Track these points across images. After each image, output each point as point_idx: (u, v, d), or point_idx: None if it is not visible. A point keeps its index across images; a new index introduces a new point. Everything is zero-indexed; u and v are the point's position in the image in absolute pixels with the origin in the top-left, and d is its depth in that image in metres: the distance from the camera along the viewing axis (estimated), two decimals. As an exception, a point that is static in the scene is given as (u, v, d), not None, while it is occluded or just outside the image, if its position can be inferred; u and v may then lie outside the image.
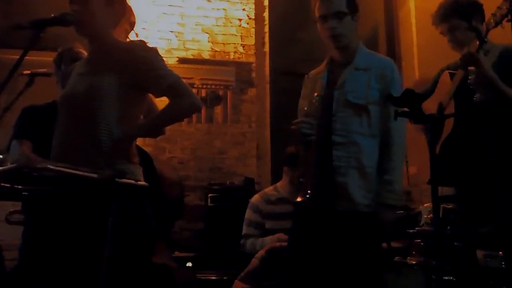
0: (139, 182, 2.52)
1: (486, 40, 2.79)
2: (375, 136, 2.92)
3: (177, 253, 4.87)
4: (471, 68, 2.93)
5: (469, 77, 2.91)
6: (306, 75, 2.98)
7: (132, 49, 2.61)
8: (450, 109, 2.91)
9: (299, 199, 2.97)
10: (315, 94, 2.95)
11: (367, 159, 2.88)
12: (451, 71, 3.15)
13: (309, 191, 2.91)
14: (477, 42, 2.83)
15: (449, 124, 2.99)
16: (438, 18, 3.24)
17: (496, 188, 2.65)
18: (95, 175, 2.25)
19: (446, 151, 3.03)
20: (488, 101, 2.89)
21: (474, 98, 2.92)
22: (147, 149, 5.26)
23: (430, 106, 3.16)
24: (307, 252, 2.88)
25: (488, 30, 2.80)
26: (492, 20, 2.78)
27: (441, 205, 3.74)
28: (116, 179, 2.30)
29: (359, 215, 2.81)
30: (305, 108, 2.96)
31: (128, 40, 2.80)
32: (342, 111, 2.91)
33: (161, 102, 2.67)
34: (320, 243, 2.85)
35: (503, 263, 2.85)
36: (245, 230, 4.43)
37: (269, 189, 4.62)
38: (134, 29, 2.87)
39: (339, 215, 2.82)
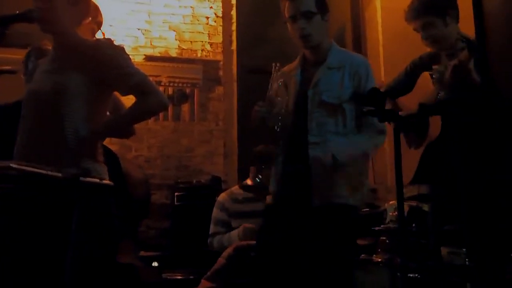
0: (104, 181, 2.50)
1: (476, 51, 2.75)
2: (350, 135, 2.93)
3: (143, 253, 4.83)
4: (435, 66, 2.95)
5: (436, 74, 2.92)
6: (274, 65, 2.92)
7: (98, 47, 2.59)
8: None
9: (269, 198, 2.97)
10: (280, 80, 2.90)
11: (343, 157, 2.88)
12: (430, 72, 3.14)
13: (277, 190, 2.92)
14: (467, 54, 2.79)
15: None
16: (411, 14, 3.17)
17: (459, 186, 2.68)
18: (59, 174, 2.22)
19: (426, 154, 3.05)
20: (453, 99, 2.91)
21: (438, 97, 2.94)
22: (113, 147, 5.21)
23: (410, 104, 3.18)
24: (277, 250, 2.88)
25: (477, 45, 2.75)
26: None
27: (406, 203, 3.78)
28: (81, 178, 2.28)
29: (335, 209, 2.82)
30: (270, 93, 2.90)
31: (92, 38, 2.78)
32: (317, 111, 2.91)
33: (129, 100, 2.66)
34: (294, 241, 2.85)
35: (467, 260, 2.88)
36: (212, 229, 4.42)
37: (236, 188, 4.61)
38: (101, 28, 2.84)
39: (315, 211, 2.82)
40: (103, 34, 2.90)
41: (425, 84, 3.16)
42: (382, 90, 2.80)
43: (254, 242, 3.87)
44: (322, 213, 2.80)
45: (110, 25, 5.97)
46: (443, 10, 3.08)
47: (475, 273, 2.79)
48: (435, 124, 3.03)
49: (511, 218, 3.01)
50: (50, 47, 3.28)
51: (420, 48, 4.03)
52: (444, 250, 3.26)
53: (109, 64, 2.55)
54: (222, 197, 4.52)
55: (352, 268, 3.02)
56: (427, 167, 3.04)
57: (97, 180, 2.44)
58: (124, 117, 2.68)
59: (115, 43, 2.72)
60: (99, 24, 2.81)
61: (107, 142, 3.00)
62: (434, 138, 3.02)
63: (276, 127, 2.81)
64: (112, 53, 2.57)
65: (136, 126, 2.89)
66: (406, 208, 3.73)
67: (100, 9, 2.83)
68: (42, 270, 2.31)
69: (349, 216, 2.86)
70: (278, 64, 2.91)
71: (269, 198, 3.02)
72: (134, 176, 3.66)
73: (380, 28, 6.69)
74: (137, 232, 4.11)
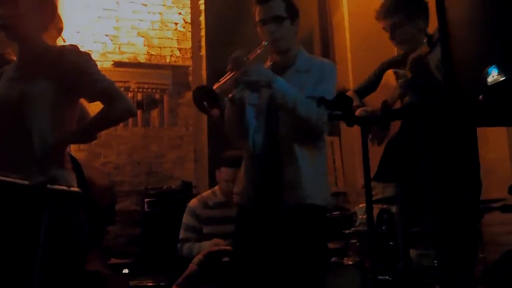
0: (72, 188, 2.48)
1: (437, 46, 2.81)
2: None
3: (113, 260, 4.80)
4: (400, 71, 2.99)
5: (399, 80, 2.97)
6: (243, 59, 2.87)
7: (63, 54, 2.57)
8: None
9: (237, 201, 2.97)
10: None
11: (312, 158, 2.90)
12: (396, 70, 3.18)
13: (248, 192, 2.92)
14: (427, 47, 2.84)
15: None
16: (382, 13, 3.23)
17: (425, 187, 2.72)
18: (26, 182, 2.20)
19: (387, 150, 3.09)
20: (419, 102, 2.95)
21: (403, 100, 2.99)
22: (81, 154, 5.19)
23: (374, 102, 3.22)
24: (252, 254, 2.89)
25: (437, 39, 2.80)
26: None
27: (376, 205, 3.82)
28: (48, 186, 2.26)
29: (308, 208, 2.83)
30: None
31: (58, 45, 2.76)
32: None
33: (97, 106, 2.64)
34: (267, 243, 2.85)
35: (435, 261, 2.92)
36: (182, 234, 4.41)
37: (206, 193, 4.61)
38: (61, 34, 2.82)
39: (288, 212, 2.83)
40: (64, 40, 2.88)
41: (387, 81, 3.22)
42: (348, 94, 2.82)
43: (225, 247, 3.88)
44: (293, 214, 2.82)
45: (78, 32, 5.92)
46: (413, 12, 3.13)
47: (444, 274, 2.83)
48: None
49: (476, 219, 3.07)
50: (13, 55, 3.26)
51: (387, 52, 4.09)
52: (413, 252, 3.30)
53: (75, 71, 2.53)
54: (193, 203, 4.52)
55: (324, 270, 3.04)
56: (388, 165, 3.08)
57: (65, 188, 2.42)
58: (91, 124, 2.66)
59: (83, 49, 2.70)
60: (59, 30, 2.79)
61: (75, 149, 2.99)
62: (394, 134, 3.07)
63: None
64: (77, 60, 2.56)
65: (105, 132, 2.88)
66: (375, 211, 3.78)
67: (63, 15, 2.81)
68: (10, 278, 2.28)
69: (319, 215, 2.87)
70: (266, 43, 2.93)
71: (237, 201, 3.02)
72: (98, 184, 3.63)
73: (348, 33, 6.76)
74: (102, 239, 4.07)
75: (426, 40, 2.80)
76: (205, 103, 2.56)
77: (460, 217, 2.91)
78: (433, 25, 3.04)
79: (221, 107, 2.57)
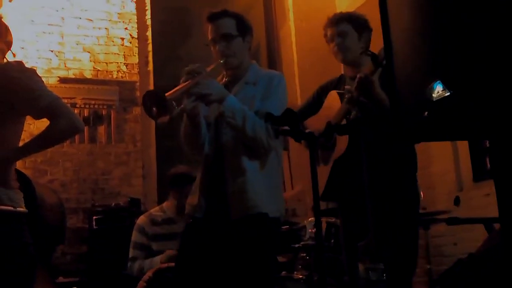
0: (18, 209, 2.42)
1: (382, 64, 2.88)
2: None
3: (61, 279, 4.72)
4: (346, 89, 3.05)
5: (349, 94, 3.02)
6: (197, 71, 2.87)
7: (6, 70, 2.52)
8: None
9: (191, 212, 2.96)
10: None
11: (262, 170, 2.91)
12: (338, 91, 3.26)
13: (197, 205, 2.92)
14: (372, 66, 2.92)
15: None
16: (330, 22, 3.33)
17: (368, 201, 2.77)
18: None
19: (335, 167, 3.14)
20: (363, 118, 3.02)
21: (349, 116, 3.05)
22: (27, 171, 5.08)
23: (316, 124, 3.26)
24: (198, 269, 2.87)
25: (383, 58, 2.85)
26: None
27: (324, 219, 3.85)
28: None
29: (253, 219, 2.83)
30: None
31: (4, 60, 2.71)
32: None
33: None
34: (213, 255, 2.84)
35: (384, 275, 2.96)
36: (131, 253, 4.36)
37: (155, 210, 4.58)
38: (11, 49, 2.77)
39: (235, 224, 2.82)
40: (14, 54, 2.83)
41: (331, 103, 3.28)
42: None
43: (173, 264, 3.85)
44: (241, 226, 2.82)
45: (22, 48, 5.84)
46: (361, 28, 3.24)
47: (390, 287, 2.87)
48: (341, 139, 3.13)
49: (413, 230, 3.16)
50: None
51: (333, 66, 4.16)
52: (361, 266, 3.33)
53: (17, 88, 2.48)
54: (141, 220, 4.48)
55: (272, 283, 3.04)
56: (336, 184, 3.14)
57: (11, 208, 2.37)
58: (37, 141, 2.59)
59: (27, 65, 2.66)
60: (8, 44, 2.74)
61: (20, 166, 2.93)
62: (340, 153, 3.13)
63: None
64: (20, 76, 2.51)
65: (51, 149, 2.84)
66: (324, 225, 3.81)
67: (10, 29, 2.76)
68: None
69: (268, 226, 2.88)
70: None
71: (189, 212, 3.01)
72: (48, 202, 3.58)
73: (294, 48, 6.82)
74: (50, 258, 4.00)
75: (370, 55, 2.88)
76: (154, 109, 2.55)
77: (398, 230, 2.99)
78: (375, 45, 3.14)
79: (170, 115, 2.56)
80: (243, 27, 3.04)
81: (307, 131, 3.24)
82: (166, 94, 2.53)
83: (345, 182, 3.12)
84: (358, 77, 2.96)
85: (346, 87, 3.11)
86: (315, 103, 3.46)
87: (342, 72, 3.59)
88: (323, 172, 3.17)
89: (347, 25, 3.27)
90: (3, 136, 2.49)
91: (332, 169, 3.17)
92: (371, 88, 2.95)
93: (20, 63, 2.62)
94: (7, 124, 2.52)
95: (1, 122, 2.48)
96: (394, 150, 3.08)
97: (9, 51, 2.77)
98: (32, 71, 2.60)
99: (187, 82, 2.69)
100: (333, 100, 3.28)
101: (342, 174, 3.12)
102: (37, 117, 2.58)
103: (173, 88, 2.64)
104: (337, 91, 3.28)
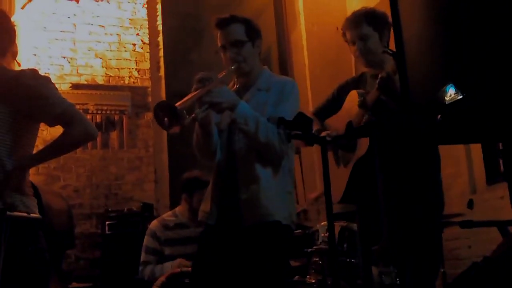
0: (32, 215, 2.44)
1: None
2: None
3: (74, 284, 4.73)
4: (360, 90, 3.03)
5: (361, 98, 3.00)
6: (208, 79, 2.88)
7: (20, 78, 2.53)
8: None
9: (205, 219, 2.96)
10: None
11: (275, 177, 2.90)
12: (359, 90, 3.19)
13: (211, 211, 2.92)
14: (394, 65, 2.84)
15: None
16: (349, 24, 3.21)
17: (384, 205, 2.75)
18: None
19: (354, 172, 3.10)
20: (379, 120, 2.99)
21: (364, 119, 3.02)
22: (40, 178, 5.13)
23: (336, 124, 3.23)
24: (213, 274, 2.87)
25: None
26: None
27: (337, 223, 3.83)
28: (8, 213, 2.23)
29: (269, 226, 2.82)
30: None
31: (16, 66, 2.73)
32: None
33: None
34: (228, 263, 2.84)
35: (397, 279, 2.94)
36: (143, 257, 4.36)
37: (167, 215, 4.58)
38: (16, 58, 2.78)
39: (247, 231, 2.82)
40: (19, 64, 2.85)
41: (351, 104, 3.23)
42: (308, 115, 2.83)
43: (187, 269, 3.85)
44: (254, 233, 2.82)
45: (34, 54, 5.88)
46: (382, 27, 3.16)
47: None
48: (363, 141, 3.08)
49: (436, 235, 3.11)
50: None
51: (344, 69, 4.12)
52: (374, 270, 3.32)
53: (32, 95, 2.50)
54: (153, 224, 4.48)
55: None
56: (355, 186, 3.10)
57: (25, 214, 2.39)
58: (51, 148, 2.61)
59: (40, 72, 2.67)
60: (14, 54, 2.75)
61: (33, 172, 2.94)
62: (361, 155, 3.08)
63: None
64: (35, 84, 2.53)
65: (64, 155, 2.84)
66: (337, 229, 3.80)
67: (18, 38, 2.77)
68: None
69: (280, 233, 2.87)
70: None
71: (202, 219, 3.00)
72: (56, 208, 3.58)
73: (305, 51, 6.81)
74: (60, 264, 4.01)
75: (391, 54, 2.82)
76: (166, 119, 2.55)
77: (421, 234, 2.95)
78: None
79: (182, 125, 2.56)
80: (252, 32, 3.03)
81: (327, 131, 3.23)
82: (177, 104, 2.53)
83: (365, 185, 3.08)
84: (379, 77, 2.92)
85: (359, 91, 3.09)
86: (335, 101, 3.39)
87: (361, 71, 3.49)
88: (344, 174, 3.14)
89: (367, 27, 3.15)
90: (17, 143, 2.50)
91: (352, 171, 3.13)
92: (394, 87, 2.89)
93: (34, 71, 2.63)
94: (22, 131, 2.53)
95: (15, 129, 2.49)
96: (418, 152, 3.04)
97: (15, 60, 2.78)
98: (46, 79, 2.62)
99: (198, 91, 2.69)
100: (352, 100, 3.21)
101: (362, 177, 3.08)
102: (52, 124, 2.60)
103: (185, 93, 2.64)
104: (357, 90, 3.21)
